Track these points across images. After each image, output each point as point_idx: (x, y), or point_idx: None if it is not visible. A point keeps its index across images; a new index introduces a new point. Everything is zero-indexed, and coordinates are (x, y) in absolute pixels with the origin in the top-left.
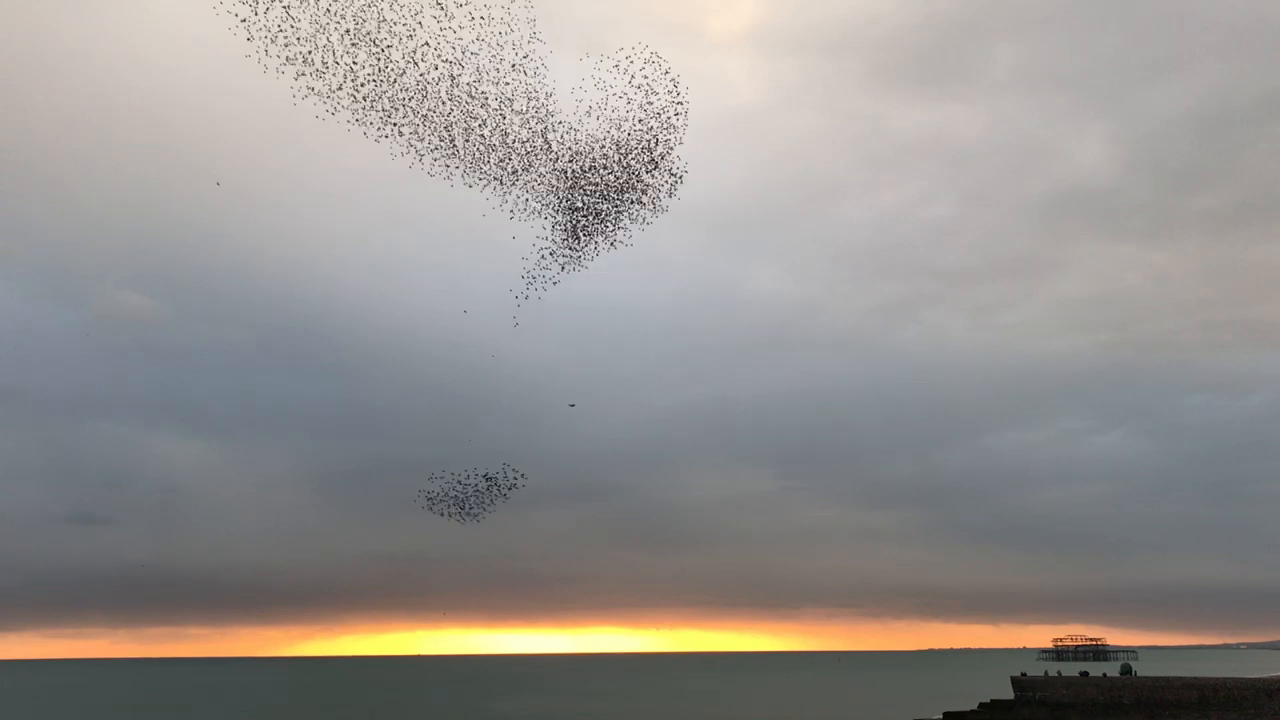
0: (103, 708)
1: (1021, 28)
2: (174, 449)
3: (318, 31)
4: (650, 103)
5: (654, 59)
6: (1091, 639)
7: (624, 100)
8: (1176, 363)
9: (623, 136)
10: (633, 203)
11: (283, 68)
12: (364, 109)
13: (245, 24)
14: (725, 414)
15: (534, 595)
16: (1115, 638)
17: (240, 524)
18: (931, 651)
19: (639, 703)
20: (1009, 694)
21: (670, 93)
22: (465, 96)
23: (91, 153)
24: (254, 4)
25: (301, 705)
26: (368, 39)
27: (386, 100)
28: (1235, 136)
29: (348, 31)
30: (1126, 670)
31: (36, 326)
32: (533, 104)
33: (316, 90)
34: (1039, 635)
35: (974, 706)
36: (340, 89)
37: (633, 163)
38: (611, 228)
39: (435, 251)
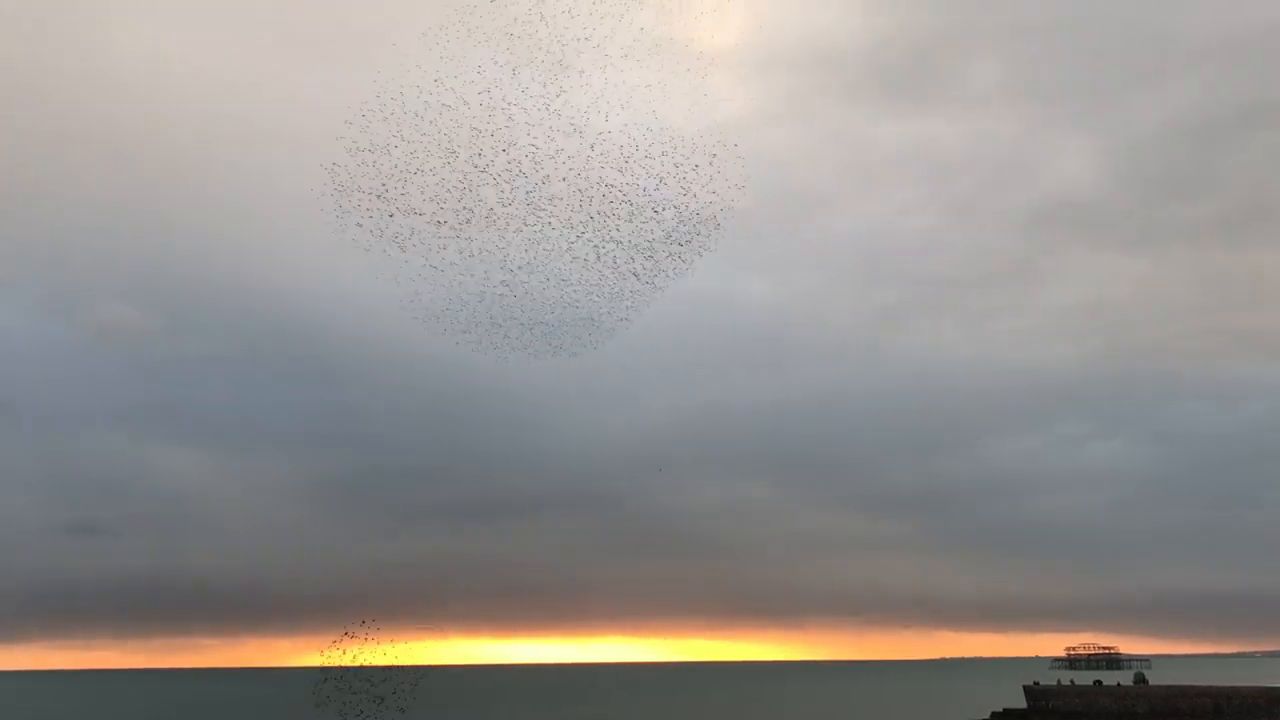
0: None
1: (1002, 41)
2: (173, 459)
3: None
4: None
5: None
6: (1105, 647)
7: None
8: (1169, 370)
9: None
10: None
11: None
12: None
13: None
14: (723, 423)
15: (538, 604)
16: (1129, 646)
17: (243, 533)
18: (942, 660)
19: (658, 714)
20: (1021, 703)
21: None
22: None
23: (79, 165)
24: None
25: (311, 717)
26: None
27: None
28: (1220, 145)
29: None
30: (1140, 679)
31: (27, 340)
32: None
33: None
34: (1051, 643)
35: (986, 715)
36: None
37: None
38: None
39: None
